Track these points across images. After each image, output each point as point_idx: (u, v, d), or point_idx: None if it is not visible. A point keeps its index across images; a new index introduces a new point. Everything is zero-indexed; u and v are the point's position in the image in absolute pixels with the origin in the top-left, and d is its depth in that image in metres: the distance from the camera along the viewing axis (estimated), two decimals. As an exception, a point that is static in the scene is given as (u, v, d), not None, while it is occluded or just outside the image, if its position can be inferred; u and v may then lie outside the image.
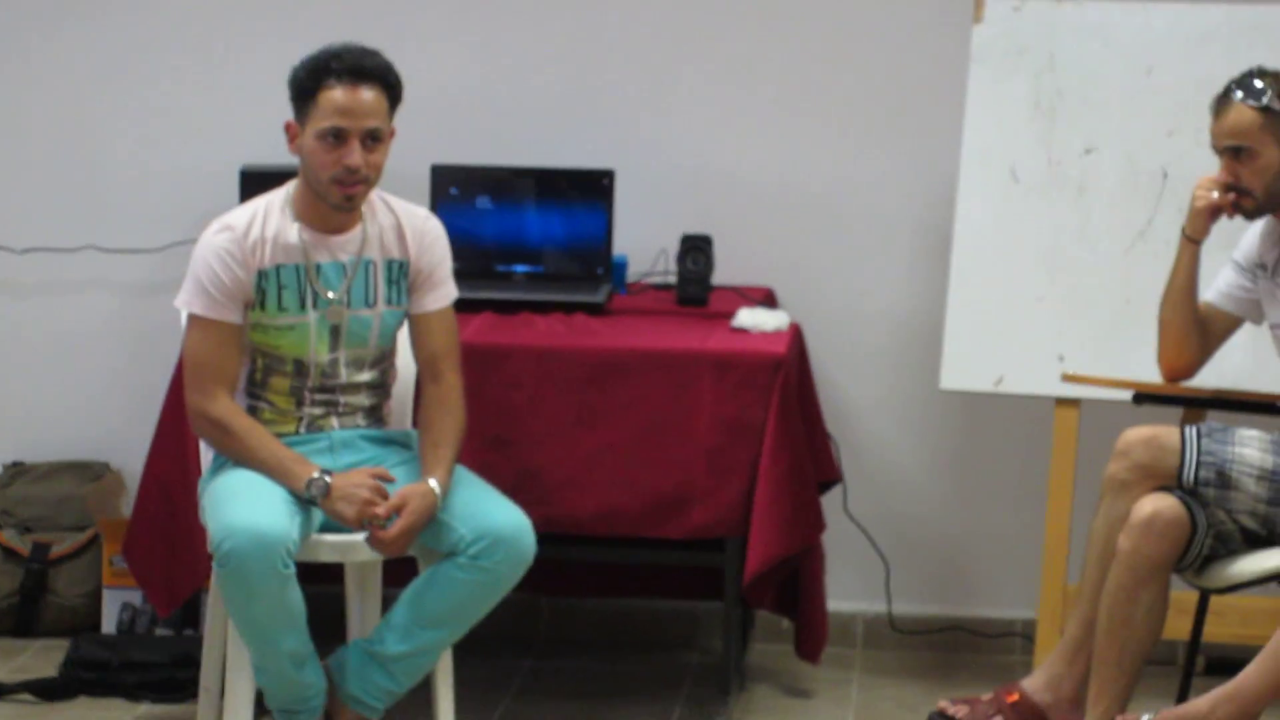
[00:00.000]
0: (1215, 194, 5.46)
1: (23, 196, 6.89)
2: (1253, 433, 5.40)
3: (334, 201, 5.29)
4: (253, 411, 5.43)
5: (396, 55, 5.46)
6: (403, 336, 5.63)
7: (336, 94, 5.25)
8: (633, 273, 6.73)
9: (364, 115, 5.25)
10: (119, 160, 6.88)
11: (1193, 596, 5.55)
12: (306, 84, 5.30)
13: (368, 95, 5.27)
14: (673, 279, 6.57)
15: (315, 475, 5.16)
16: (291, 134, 5.34)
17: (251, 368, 5.46)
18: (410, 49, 5.65)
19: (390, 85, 5.35)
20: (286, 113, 5.39)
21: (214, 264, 5.33)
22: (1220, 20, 6.14)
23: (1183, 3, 6.27)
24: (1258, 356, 5.72)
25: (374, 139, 5.27)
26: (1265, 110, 5.35)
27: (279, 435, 5.39)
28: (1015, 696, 5.51)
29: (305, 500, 5.16)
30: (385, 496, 5.16)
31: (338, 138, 5.22)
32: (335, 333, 5.44)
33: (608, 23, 6.79)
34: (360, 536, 5.26)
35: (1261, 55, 5.55)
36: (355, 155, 5.22)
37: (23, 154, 6.86)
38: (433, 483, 5.23)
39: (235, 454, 5.32)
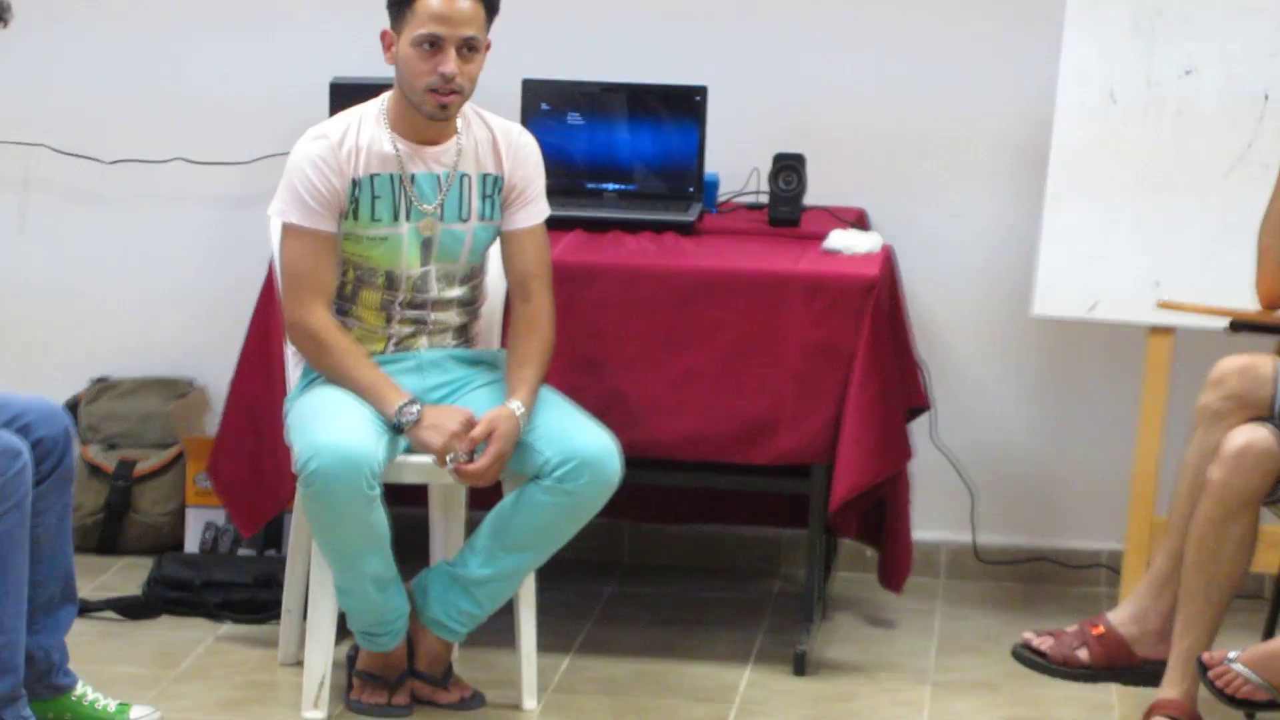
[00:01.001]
0: None
1: (112, 108, 6.91)
2: None
3: (428, 110, 5.37)
4: (345, 326, 5.50)
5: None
6: (493, 256, 5.70)
7: (434, 1, 5.29)
8: (724, 192, 6.72)
9: (461, 23, 5.30)
10: (208, 72, 6.92)
11: None
12: None
13: (464, 3, 5.32)
14: (764, 199, 6.55)
15: (406, 402, 5.25)
16: (387, 42, 5.41)
17: (343, 280, 5.53)
18: None
19: None
20: (375, 25, 5.48)
21: (309, 172, 5.41)
22: None
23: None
24: None
25: (470, 48, 5.33)
26: None
27: (370, 352, 5.49)
28: (1100, 629, 5.51)
29: (393, 426, 5.27)
30: (471, 430, 5.24)
31: (434, 45, 5.29)
32: (427, 246, 5.51)
33: None
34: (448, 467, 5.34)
35: None
36: (451, 63, 5.29)
37: (111, 65, 6.87)
38: (515, 404, 5.30)
39: (330, 370, 5.41)
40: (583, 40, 6.73)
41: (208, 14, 6.89)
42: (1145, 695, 5.42)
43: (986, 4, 6.70)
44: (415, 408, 5.25)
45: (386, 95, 5.53)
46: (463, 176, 5.53)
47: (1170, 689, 5.29)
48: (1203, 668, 5.09)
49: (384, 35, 5.44)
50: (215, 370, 6.68)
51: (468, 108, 5.55)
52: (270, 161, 6.40)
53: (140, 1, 6.87)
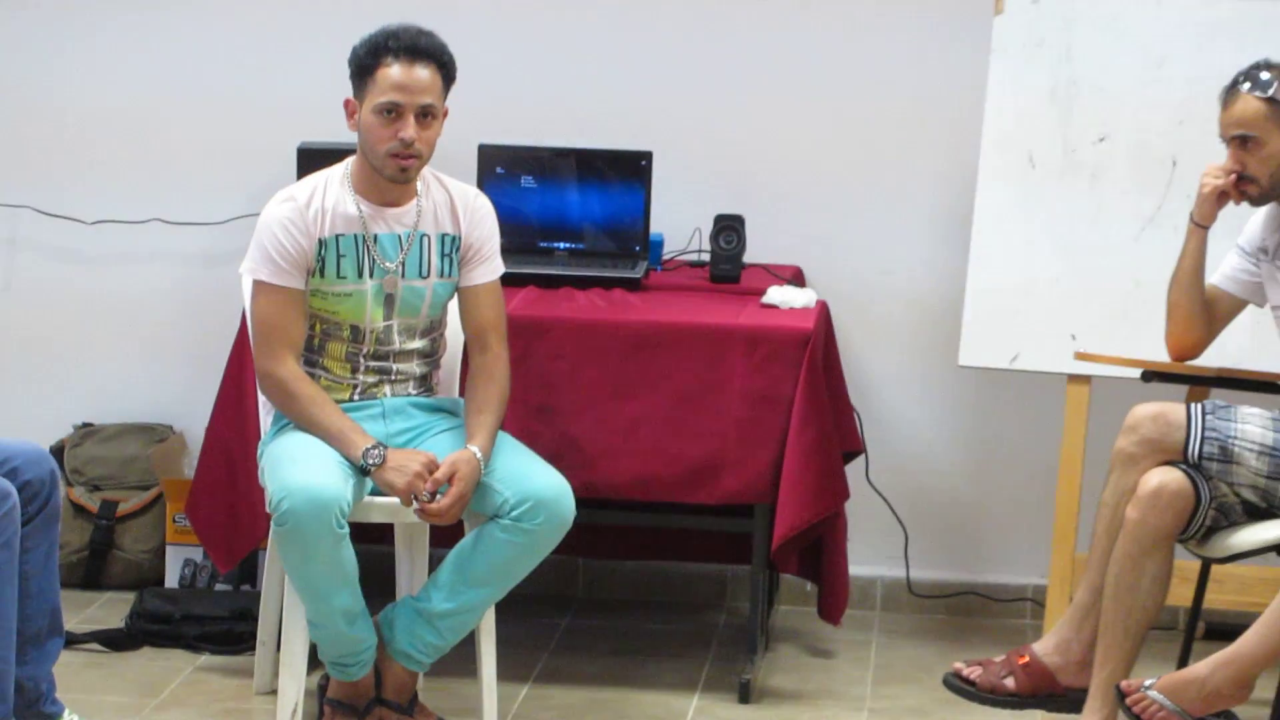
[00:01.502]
0: (1222, 181, 5.52)
1: (92, 172, 6.92)
2: (1254, 410, 5.41)
3: (389, 174, 5.38)
4: (311, 376, 5.51)
5: (446, 37, 5.52)
6: (452, 309, 5.69)
7: (394, 71, 5.32)
8: (668, 250, 6.75)
9: (419, 92, 5.33)
10: (183, 138, 6.92)
11: (1195, 565, 5.59)
12: (366, 61, 5.38)
13: (423, 73, 5.35)
14: (706, 257, 6.60)
15: (371, 446, 5.25)
16: (350, 110, 5.43)
17: (310, 334, 5.54)
18: (459, 31, 5.66)
19: (444, 65, 5.43)
20: (340, 93, 5.48)
21: (278, 232, 5.42)
22: (1229, 14, 6.14)
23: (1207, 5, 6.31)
24: (1260, 337, 5.74)
25: (428, 115, 5.35)
26: (1271, 101, 5.38)
27: (336, 397, 5.49)
28: (1026, 659, 5.53)
29: (360, 469, 5.26)
30: (434, 472, 5.24)
31: (393, 112, 5.31)
32: (390, 301, 5.51)
33: (648, 9, 6.81)
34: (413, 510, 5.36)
35: (1268, 48, 5.56)
36: (410, 129, 5.30)
37: (91, 131, 6.87)
38: (474, 449, 5.30)
39: (298, 417, 5.40)
40: (535, 107, 6.77)
41: (182, 83, 6.92)
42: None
43: (913, 72, 6.75)
44: (379, 451, 5.24)
45: (350, 160, 5.54)
46: (422, 236, 5.54)
47: (1091, 715, 5.33)
48: (1121, 695, 5.12)
49: (347, 103, 5.46)
50: (192, 416, 6.67)
51: (427, 172, 5.57)
52: (241, 222, 6.42)
53: (118, 72, 6.89)
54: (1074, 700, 5.44)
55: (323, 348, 5.56)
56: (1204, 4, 6.24)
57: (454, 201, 5.59)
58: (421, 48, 5.39)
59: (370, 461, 5.23)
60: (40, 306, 6.98)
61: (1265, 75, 5.40)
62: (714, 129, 6.82)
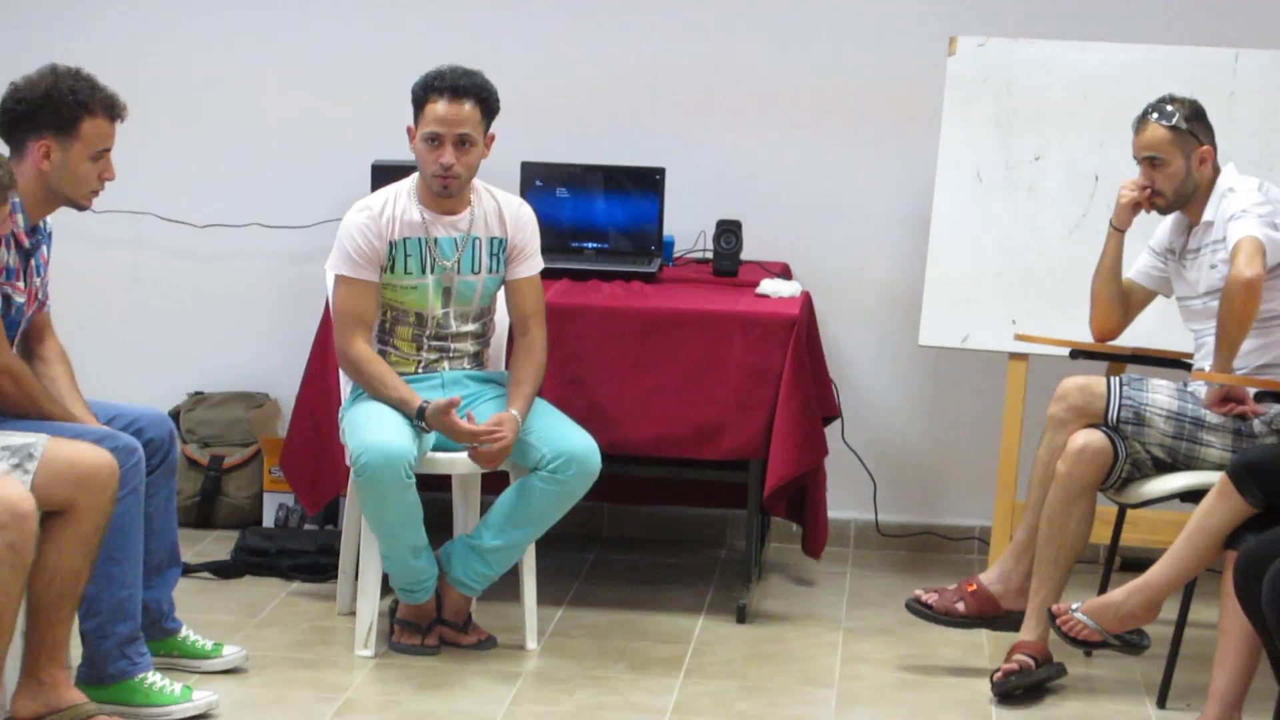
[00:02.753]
0: (1135, 193, 5.55)
1: (202, 183, 6.92)
2: (1163, 382, 5.47)
3: (435, 190, 5.49)
4: (383, 354, 5.59)
5: (496, 74, 5.56)
6: (499, 297, 5.76)
7: (438, 106, 5.41)
8: (678, 250, 6.73)
9: (456, 124, 5.40)
10: (277, 155, 6.91)
11: (1113, 510, 5.63)
12: (418, 96, 5.48)
13: (462, 108, 5.42)
14: (709, 255, 6.59)
15: (423, 404, 5.33)
16: (410, 135, 5.51)
17: (382, 319, 5.62)
18: (507, 69, 5.68)
19: (484, 100, 5.47)
20: (407, 119, 5.54)
21: (356, 236, 5.50)
22: (1140, 57, 6.15)
23: (1111, 43, 6.28)
24: (1168, 323, 5.73)
25: (465, 143, 5.42)
26: (1174, 129, 5.41)
27: (402, 374, 5.53)
28: (974, 587, 5.55)
29: (415, 423, 5.33)
30: (455, 408, 5.34)
31: (436, 141, 5.41)
32: (447, 293, 5.59)
33: (662, 50, 6.79)
34: (464, 455, 5.43)
35: (1172, 85, 5.56)
36: (448, 155, 5.41)
37: (203, 149, 6.88)
38: (514, 411, 5.39)
39: (367, 387, 5.47)
40: (568, 131, 6.72)
41: (276, 110, 6.90)
42: (1008, 638, 5.46)
43: (882, 103, 6.72)
44: (427, 407, 5.35)
45: (415, 175, 5.61)
46: (474, 239, 5.59)
47: (1028, 633, 5.37)
48: (1052, 617, 5.15)
49: (409, 130, 5.54)
50: (284, 386, 6.67)
51: (479, 184, 5.64)
52: (325, 226, 6.40)
53: (222, 101, 6.88)
54: (1014, 621, 5.46)
55: (393, 330, 5.64)
56: (1120, 49, 6.25)
57: (501, 210, 5.65)
58: (462, 86, 5.44)
59: (421, 421, 5.34)
60: (160, 295, 6.98)
61: (1170, 108, 5.43)
62: (716, 150, 6.80)
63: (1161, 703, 5.33)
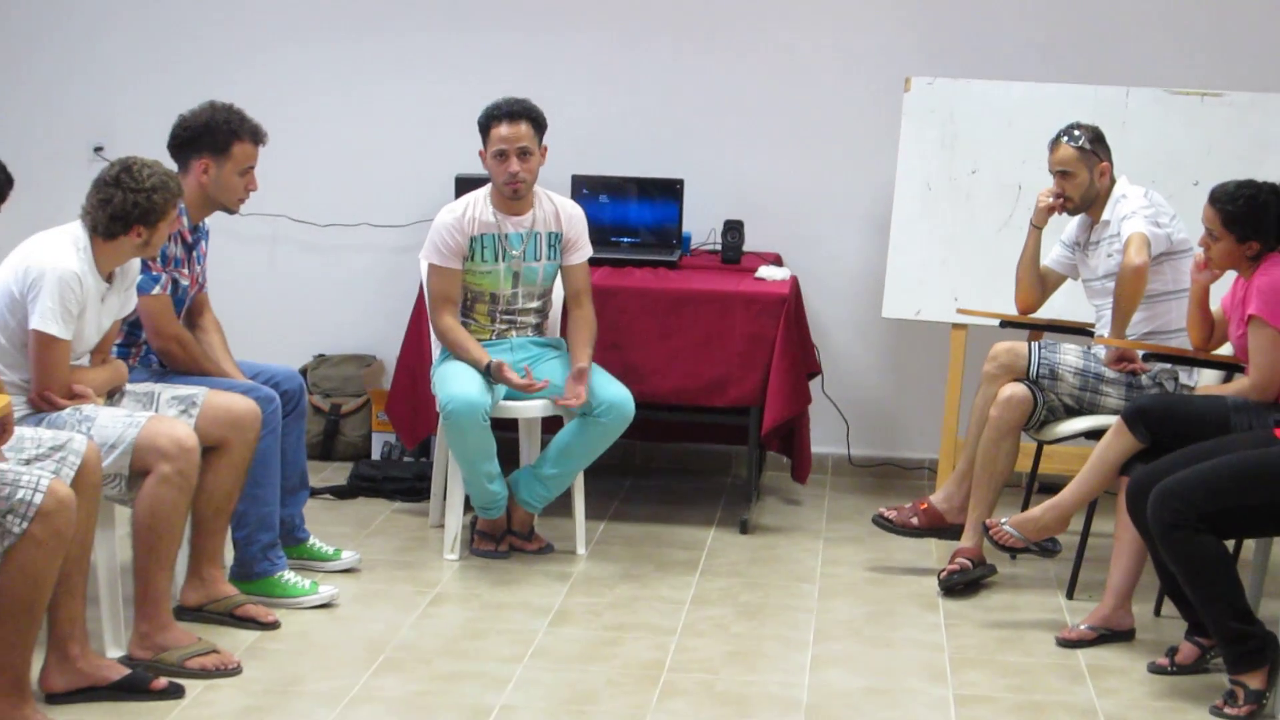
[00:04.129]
0: (1050, 199, 5.55)
1: (323, 193, 6.91)
2: (1072, 346, 5.50)
3: (506, 195, 5.52)
4: (465, 325, 5.60)
5: (552, 107, 5.60)
6: (556, 279, 5.79)
7: (501, 129, 5.45)
8: (694, 243, 6.72)
9: (517, 139, 5.44)
10: (381, 169, 6.89)
11: (1033, 445, 5.67)
12: (483, 123, 5.51)
13: (519, 127, 5.45)
14: (719, 247, 6.58)
15: (490, 362, 5.37)
16: (482, 157, 5.54)
17: (464, 298, 5.63)
18: (561, 105, 5.68)
19: (534, 119, 5.51)
20: (476, 141, 5.58)
21: (444, 233, 5.54)
22: (1054, 93, 6.17)
23: (1030, 82, 6.29)
24: (1076, 300, 5.75)
25: (526, 153, 5.46)
26: (1080, 148, 5.41)
27: (480, 340, 5.57)
28: (925, 505, 5.59)
29: (485, 376, 5.38)
30: (505, 371, 5.37)
31: (503, 156, 5.44)
32: (515, 277, 5.63)
33: (680, 87, 6.76)
34: (527, 402, 5.50)
35: (1078, 114, 5.56)
36: (514, 165, 5.45)
37: (323, 166, 6.87)
38: (582, 365, 5.46)
39: (452, 350, 5.51)
40: (609, 149, 6.70)
41: (382, 134, 6.89)
42: (951, 545, 5.51)
43: (855, 128, 6.70)
44: (493, 364, 5.39)
45: (489, 185, 5.63)
46: (536, 234, 5.63)
47: (967, 541, 5.42)
48: (986, 528, 5.15)
49: (480, 154, 5.57)
50: (388, 350, 6.63)
51: (540, 190, 5.66)
52: (419, 225, 6.34)
53: (340, 128, 6.88)
54: (956, 531, 5.50)
55: (472, 307, 5.66)
56: (1037, 86, 6.26)
57: (558, 210, 5.68)
58: (516, 110, 5.49)
59: (490, 372, 5.37)
60: (291, 279, 6.98)
61: (1076, 132, 5.45)
62: (724, 165, 6.78)
63: (1070, 594, 5.38)
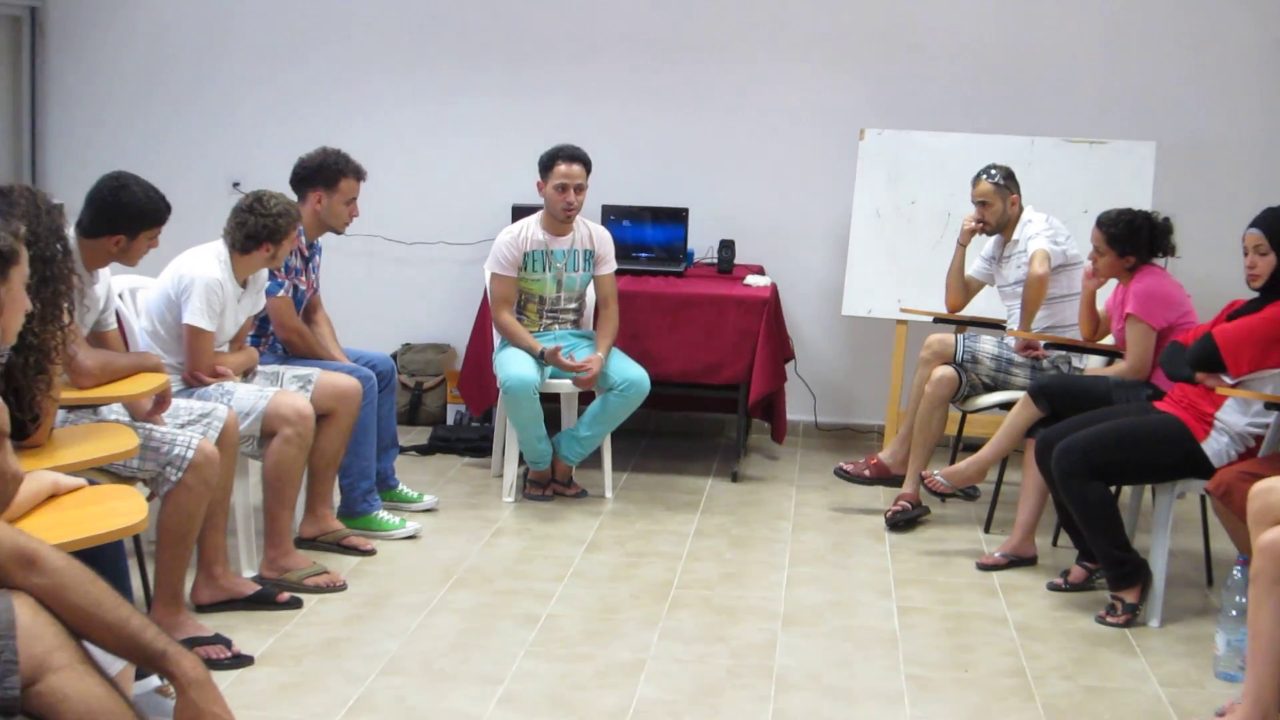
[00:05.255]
0: (972, 223, 5.54)
1: (409, 217, 6.88)
2: (989, 337, 5.51)
3: (560, 219, 5.50)
4: (519, 320, 5.59)
5: (590, 149, 5.58)
6: (589, 286, 5.75)
7: (562, 167, 5.44)
8: (697, 257, 6.68)
9: (574, 177, 5.45)
10: (453, 199, 6.86)
11: (959, 414, 5.65)
12: (546, 161, 5.50)
13: (576, 168, 5.46)
14: (715, 260, 6.56)
15: (544, 349, 5.39)
16: (540, 188, 5.51)
17: (519, 300, 5.63)
18: (593, 149, 5.58)
19: (586, 163, 5.51)
20: (533, 177, 5.56)
21: (504, 249, 5.53)
22: (976, 142, 6.15)
23: (958, 133, 6.29)
24: (992, 301, 5.73)
25: (579, 189, 5.46)
26: (996, 184, 5.42)
27: (530, 331, 5.57)
28: (875, 460, 5.61)
29: (537, 361, 5.39)
30: (556, 353, 5.39)
31: (562, 188, 5.42)
32: (559, 283, 5.62)
33: (686, 135, 6.73)
34: (568, 381, 5.47)
35: (994, 157, 5.56)
36: (570, 196, 5.46)
37: (409, 196, 6.82)
38: (600, 354, 5.44)
39: (510, 340, 5.51)
40: (630, 185, 6.64)
41: (453, 170, 6.87)
42: (894, 491, 5.50)
43: (820, 168, 6.65)
44: (543, 350, 5.41)
45: (540, 212, 5.61)
46: (575, 251, 5.62)
47: (908, 487, 5.42)
48: (922, 479, 5.17)
49: (538, 185, 5.54)
50: (459, 339, 6.59)
51: (578, 218, 5.62)
52: (483, 243, 6.30)
53: (420, 166, 6.85)
54: (898, 480, 5.52)
55: (524, 307, 5.66)
56: (962, 136, 6.25)
57: (591, 233, 5.67)
58: (575, 154, 5.49)
59: (541, 356, 5.39)
60: (385, 285, 6.94)
61: (993, 171, 5.45)
62: (720, 197, 6.74)
63: (987, 529, 5.39)
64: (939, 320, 5.82)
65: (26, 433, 3.21)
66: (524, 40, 6.79)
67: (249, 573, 4.49)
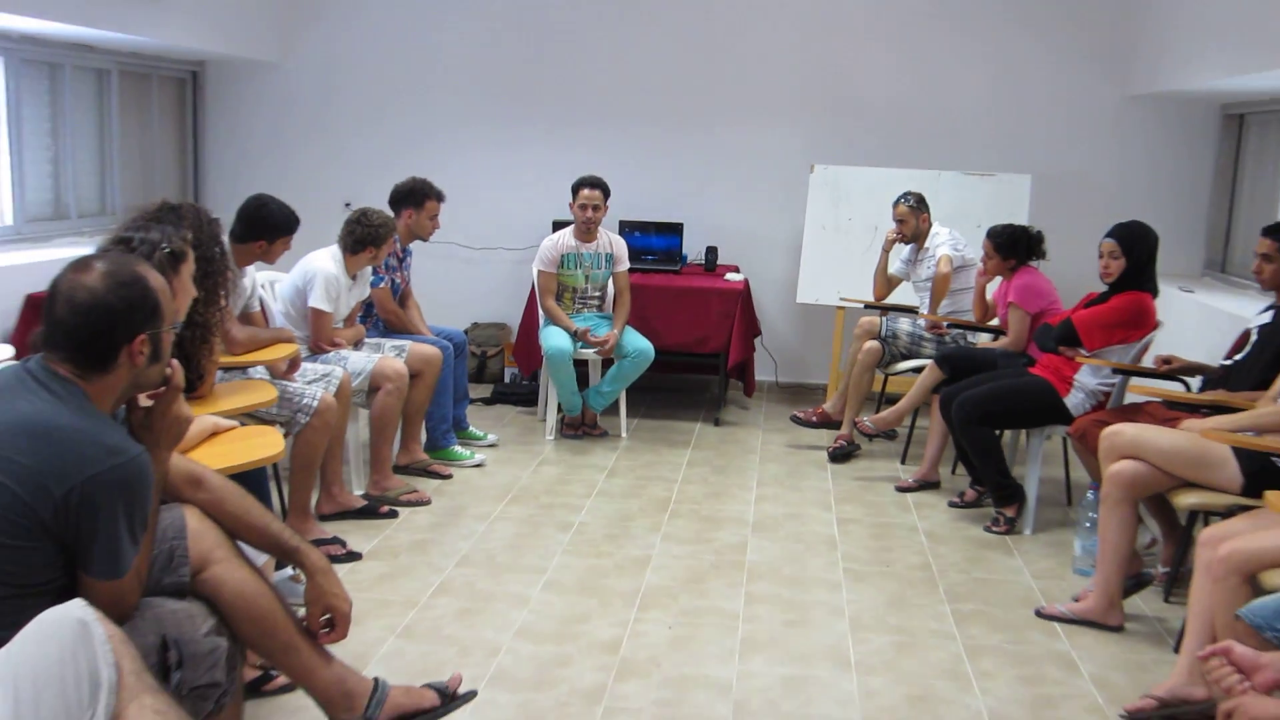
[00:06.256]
0: (893, 235, 5.49)
1: (476, 227, 6.81)
2: (905, 319, 5.43)
3: (582, 230, 5.45)
4: (558, 305, 5.52)
5: (609, 178, 5.50)
6: (610, 281, 5.67)
7: (585, 191, 5.37)
8: (690, 259, 6.62)
9: (593, 199, 5.37)
10: (511, 214, 6.78)
11: (882, 377, 5.54)
12: (575, 187, 5.43)
13: (595, 192, 5.38)
14: (703, 261, 6.49)
15: (578, 329, 5.33)
16: (571, 207, 5.43)
17: (558, 290, 5.55)
18: (612, 177, 5.56)
19: (604, 188, 5.43)
20: (567, 201, 5.49)
21: (546, 252, 5.47)
22: (896, 174, 6.05)
23: (883, 167, 6.19)
24: (908, 293, 5.65)
25: (597, 208, 5.37)
26: (911, 206, 5.38)
27: (567, 313, 5.51)
28: (820, 410, 5.55)
29: (572, 337, 5.33)
30: (599, 340, 5.32)
31: (585, 208, 5.35)
32: (587, 278, 5.55)
33: (683, 169, 6.66)
34: (593, 351, 5.40)
35: (910, 186, 5.54)
36: (590, 213, 5.38)
37: (477, 211, 6.74)
38: (615, 331, 5.38)
39: (551, 320, 5.45)
40: (639, 204, 6.57)
41: (507, 195, 6.78)
42: (834, 433, 5.47)
43: (782, 194, 6.58)
44: (577, 329, 5.35)
45: (572, 225, 5.53)
46: (599, 254, 5.55)
47: (844, 429, 5.36)
48: (855, 424, 5.16)
49: (570, 205, 5.47)
50: (514, 319, 6.58)
51: (602, 230, 5.57)
52: (530, 249, 6.30)
53: (483, 192, 6.76)
54: (837, 425, 5.48)
55: (561, 296, 5.58)
56: (886, 170, 6.14)
57: (611, 241, 5.60)
58: (595, 182, 5.43)
59: (578, 336, 5.33)
60: (459, 279, 6.85)
61: (909, 196, 5.41)
62: (706, 214, 6.67)
63: (903, 461, 5.35)
64: (868, 306, 5.77)
65: (194, 388, 3.21)
66: (559, 102, 6.74)
67: (358, 491, 4.48)
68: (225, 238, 3.64)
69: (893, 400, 5.45)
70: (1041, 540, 4.35)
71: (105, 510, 1.81)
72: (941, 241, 5.38)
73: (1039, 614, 3.59)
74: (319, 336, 4.43)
